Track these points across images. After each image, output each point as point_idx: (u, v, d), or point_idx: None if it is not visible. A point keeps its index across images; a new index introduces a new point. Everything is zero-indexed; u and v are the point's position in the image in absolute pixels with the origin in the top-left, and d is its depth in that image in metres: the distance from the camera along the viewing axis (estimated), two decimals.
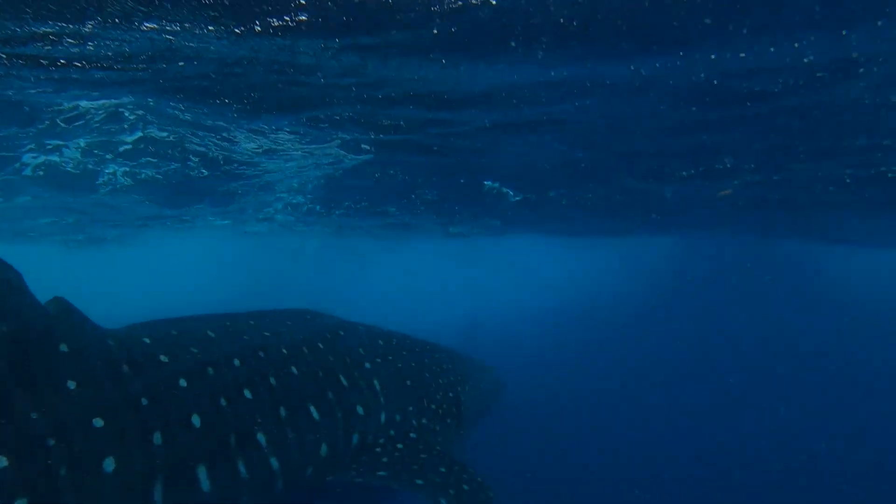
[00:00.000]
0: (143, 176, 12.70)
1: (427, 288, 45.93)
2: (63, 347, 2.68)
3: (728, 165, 10.47)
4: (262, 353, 3.64)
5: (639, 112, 7.32)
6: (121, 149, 10.18)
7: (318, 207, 18.09)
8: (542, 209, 17.15)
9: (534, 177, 12.63)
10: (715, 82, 6.20)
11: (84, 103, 7.55)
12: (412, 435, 4.31)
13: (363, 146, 9.98)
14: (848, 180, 11.33)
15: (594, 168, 11.13)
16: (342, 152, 10.45)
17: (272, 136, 8.70)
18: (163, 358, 3.07)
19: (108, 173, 12.24)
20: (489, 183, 14.43)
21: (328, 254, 34.58)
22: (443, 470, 3.83)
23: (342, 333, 4.55)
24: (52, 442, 2.40)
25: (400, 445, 4.13)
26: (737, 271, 33.14)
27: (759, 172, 10.83)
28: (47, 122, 8.35)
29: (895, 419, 13.56)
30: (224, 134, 8.82)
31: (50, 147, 9.90)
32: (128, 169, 11.91)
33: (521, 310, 34.71)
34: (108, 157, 10.64)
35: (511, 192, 15.55)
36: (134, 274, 41.36)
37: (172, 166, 11.48)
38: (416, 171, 12.49)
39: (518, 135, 8.31)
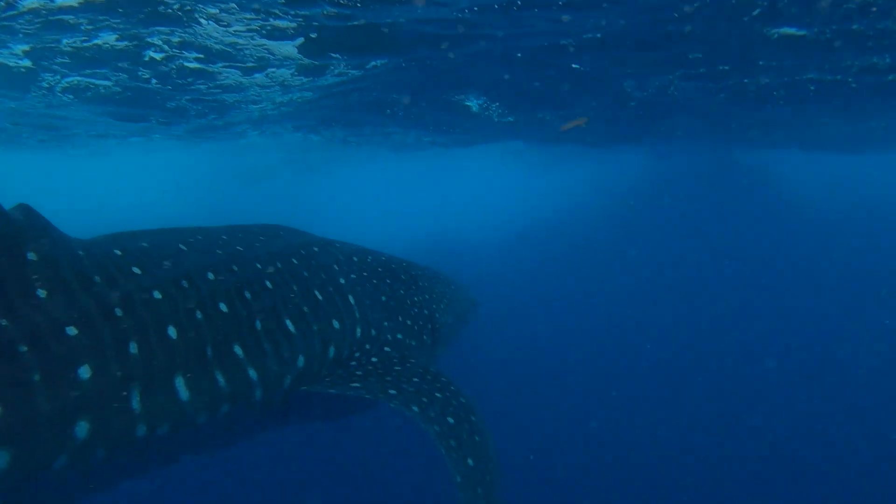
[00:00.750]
0: (88, 94, 12.15)
1: (396, 204, 45.81)
2: (31, 256, 2.67)
3: (703, 70, 10.52)
4: (235, 267, 3.68)
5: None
6: (58, 59, 9.63)
7: (288, 125, 17.70)
8: (530, 123, 17.02)
9: (521, 89, 12.34)
10: None
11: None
12: (387, 349, 4.47)
13: (332, 54, 9.61)
14: (812, 87, 11.64)
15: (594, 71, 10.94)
16: (306, 60, 9.99)
17: (232, 16, 8.20)
18: (135, 270, 3.09)
19: (45, 87, 11.68)
20: (474, 102, 14.20)
21: (295, 169, 33.98)
22: (416, 380, 3.99)
23: (316, 249, 4.60)
24: (23, 349, 2.43)
25: (374, 359, 4.29)
26: (711, 184, 33.82)
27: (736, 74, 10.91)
28: None
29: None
30: (180, 27, 8.31)
31: None
32: (68, 84, 11.35)
33: (492, 225, 35.02)
34: (44, 63, 10.08)
35: (496, 113, 15.38)
36: (87, 184, 40.12)
37: (121, 77, 10.95)
38: (390, 86, 12.11)
39: (504, 16, 7.97)
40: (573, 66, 10.62)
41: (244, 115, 15.12)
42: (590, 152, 26.67)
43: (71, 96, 12.37)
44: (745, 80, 11.53)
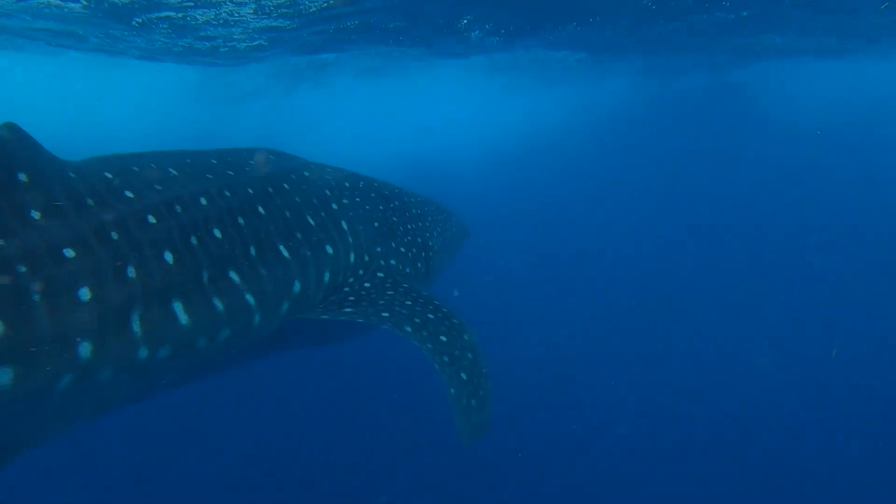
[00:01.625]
0: (45, 11, 11.49)
1: (375, 127, 44.90)
2: (21, 176, 2.64)
3: None
4: (227, 193, 3.68)
5: None
6: None
7: (264, 42, 16.99)
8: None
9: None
10: None
11: None
12: (380, 275, 4.54)
13: None
14: None
15: None
16: None
17: None
18: (128, 193, 3.08)
19: None
20: (475, 32, 13.81)
21: (271, 93, 32.94)
22: (409, 303, 4.10)
23: (307, 174, 4.58)
24: (22, 268, 2.43)
25: (367, 285, 4.36)
26: (697, 108, 33.52)
27: None
28: None
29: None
30: None
31: None
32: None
33: (475, 148, 34.69)
34: None
35: (495, 45, 14.98)
36: (49, 99, 38.49)
37: None
38: (381, 10, 11.62)
39: None
40: None
41: (212, 43, 14.43)
42: (574, 73, 26.09)
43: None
44: None
